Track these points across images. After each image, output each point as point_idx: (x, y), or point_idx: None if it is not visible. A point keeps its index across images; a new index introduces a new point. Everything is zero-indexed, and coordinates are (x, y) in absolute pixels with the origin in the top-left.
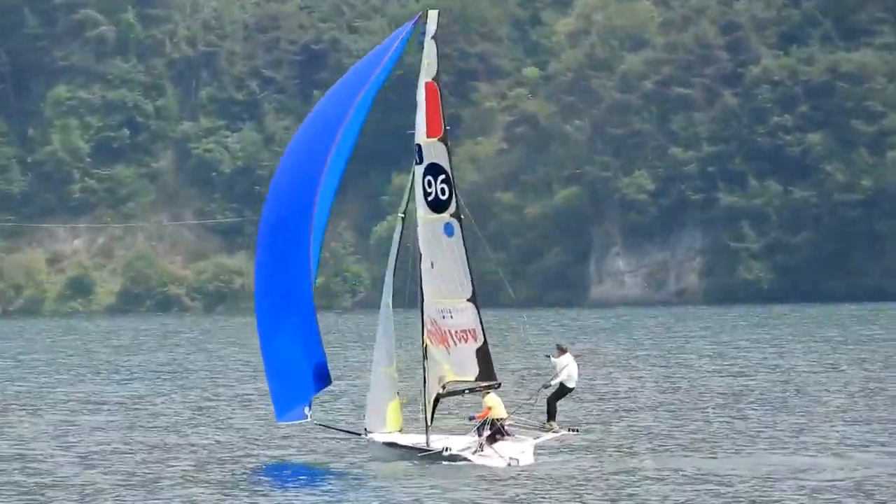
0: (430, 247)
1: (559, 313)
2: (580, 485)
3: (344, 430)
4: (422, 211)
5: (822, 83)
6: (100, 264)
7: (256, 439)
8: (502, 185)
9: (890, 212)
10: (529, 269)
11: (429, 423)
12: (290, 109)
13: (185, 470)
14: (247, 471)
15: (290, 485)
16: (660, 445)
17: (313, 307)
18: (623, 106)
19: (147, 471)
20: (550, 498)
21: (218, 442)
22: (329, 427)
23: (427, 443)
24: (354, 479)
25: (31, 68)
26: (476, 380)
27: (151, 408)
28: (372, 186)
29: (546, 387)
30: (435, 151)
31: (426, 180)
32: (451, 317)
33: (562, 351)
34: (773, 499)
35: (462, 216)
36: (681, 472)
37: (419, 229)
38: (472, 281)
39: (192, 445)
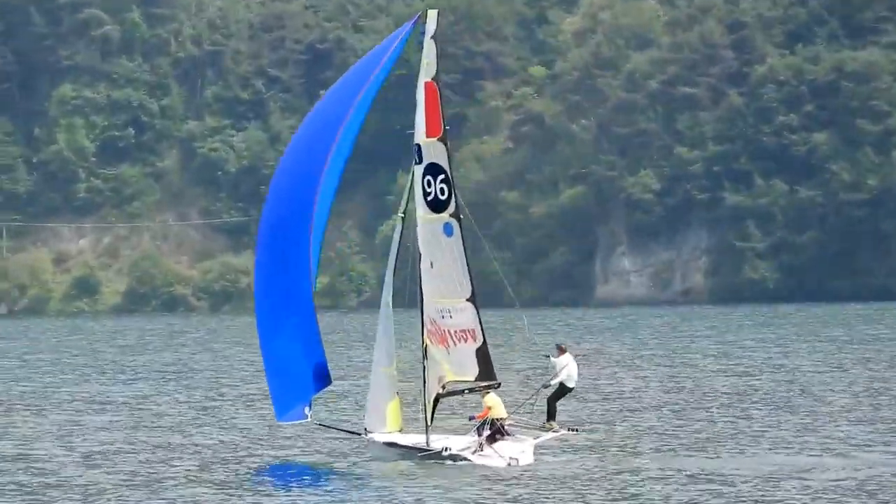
0: (429, 246)
1: (565, 313)
2: (583, 484)
3: (344, 430)
4: (421, 211)
5: (827, 82)
6: (105, 264)
7: (260, 439)
8: (508, 185)
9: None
10: (535, 269)
11: (429, 423)
12: (295, 108)
13: (188, 470)
14: (250, 471)
15: (294, 485)
16: (664, 445)
17: (313, 307)
18: (629, 105)
19: (150, 470)
20: (553, 498)
21: (221, 442)
22: (329, 427)
23: (427, 443)
24: (357, 479)
25: (36, 68)
26: (476, 380)
27: (155, 408)
28: (377, 186)
29: (546, 386)
30: (434, 151)
31: (425, 180)
32: (451, 317)
33: (561, 351)
34: (777, 499)
35: (461, 216)
36: (684, 472)
37: (418, 229)
38: (471, 281)
39: (196, 445)
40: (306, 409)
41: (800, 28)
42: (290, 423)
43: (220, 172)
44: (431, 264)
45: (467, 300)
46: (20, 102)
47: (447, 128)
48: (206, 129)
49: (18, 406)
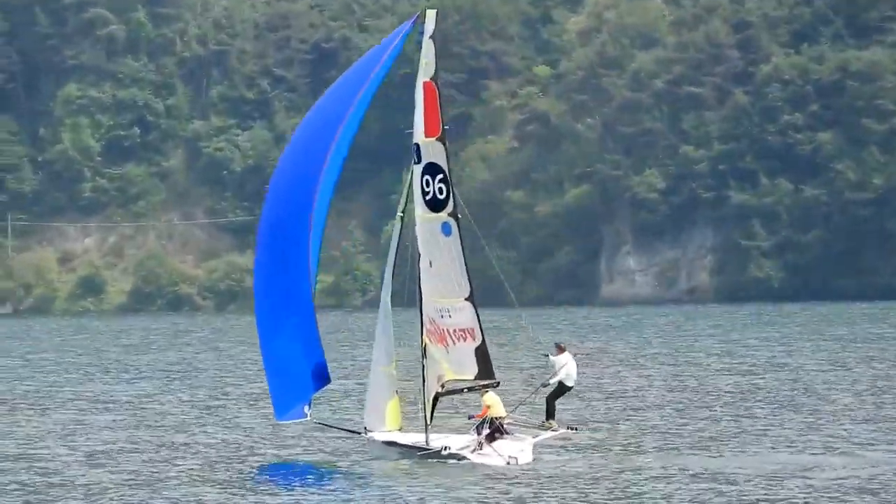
0: (428, 246)
1: (569, 312)
2: (587, 483)
3: (344, 429)
4: (420, 210)
5: (832, 82)
6: (110, 263)
7: (263, 438)
8: (513, 184)
9: None
10: (540, 268)
11: (428, 422)
12: (300, 108)
13: (191, 469)
14: (253, 470)
15: (297, 484)
16: (667, 444)
17: (312, 307)
18: (634, 104)
19: (154, 470)
20: (557, 496)
21: (225, 441)
22: (329, 426)
23: (426, 441)
24: (360, 477)
25: (41, 67)
26: (475, 379)
27: (159, 407)
28: (382, 186)
29: (545, 385)
30: (433, 151)
31: (424, 179)
32: (450, 316)
33: (560, 349)
34: (781, 497)
35: (459, 215)
36: (688, 471)
37: (417, 228)
38: (469, 280)
39: (199, 444)
40: (306, 408)
41: (805, 28)
42: (289, 422)
43: (225, 172)
44: (430, 263)
45: (466, 299)
46: (25, 102)
47: (446, 127)
48: (212, 129)
49: (22, 405)
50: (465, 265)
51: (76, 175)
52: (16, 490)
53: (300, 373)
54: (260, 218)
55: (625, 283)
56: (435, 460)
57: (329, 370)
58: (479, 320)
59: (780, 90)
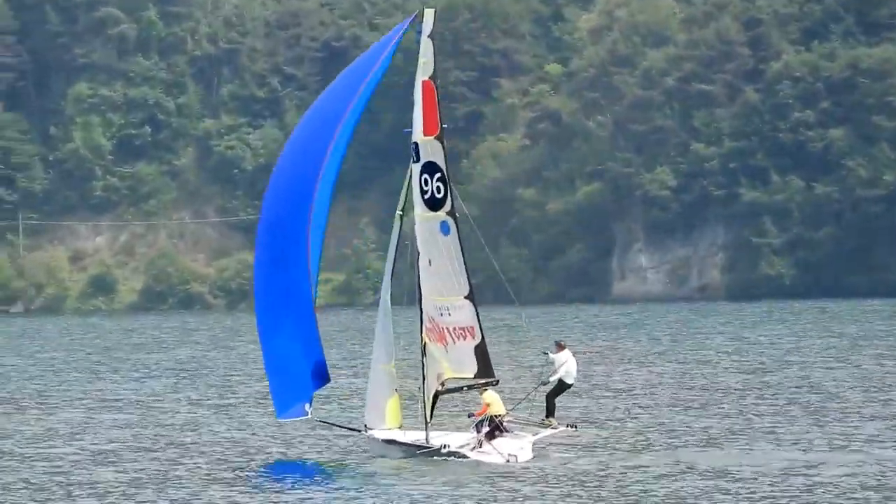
0: (427, 245)
1: (581, 309)
2: (594, 481)
3: (345, 427)
4: (419, 209)
5: (843, 79)
6: (122, 262)
7: (272, 437)
8: (524, 182)
9: None
10: (552, 266)
11: (428, 420)
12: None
13: (199, 467)
14: (261, 468)
15: (304, 483)
16: (674, 441)
17: (312, 305)
18: (645, 102)
19: (161, 468)
20: (563, 494)
21: (233, 439)
22: (330, 424)
23: (426, 439)
24: (368, 476)
25: (52, 66)
26: (475, 377)
27: (168, 405)
28: (393, 183)
29: (544, 383)
30: (431, 149)
31: (422, 178)
32: (449, 314)
33: (560, 347)
34: (790, 495)
35: (457, 214)
36: (696, 469)
37: (416, 227)
38: (469, 278)
39: (207, 443)
40: (306, 406)
41: (815, 25)
42: (290, 420)
43: (236, 170)
44: (430, 262)
45: (465, 298)
46: (36, 100)
47: (444, 126)
48: (223, 128)
49: (30, 404)
50: (465, 264)
51: (87, 174)
52: (24, 489)
53: (300, 371)
54: (259, 217)
55: (636, 280)
56: (436, 458)
57: (328, 369)
58: (478, 318)
59: (790, 87)
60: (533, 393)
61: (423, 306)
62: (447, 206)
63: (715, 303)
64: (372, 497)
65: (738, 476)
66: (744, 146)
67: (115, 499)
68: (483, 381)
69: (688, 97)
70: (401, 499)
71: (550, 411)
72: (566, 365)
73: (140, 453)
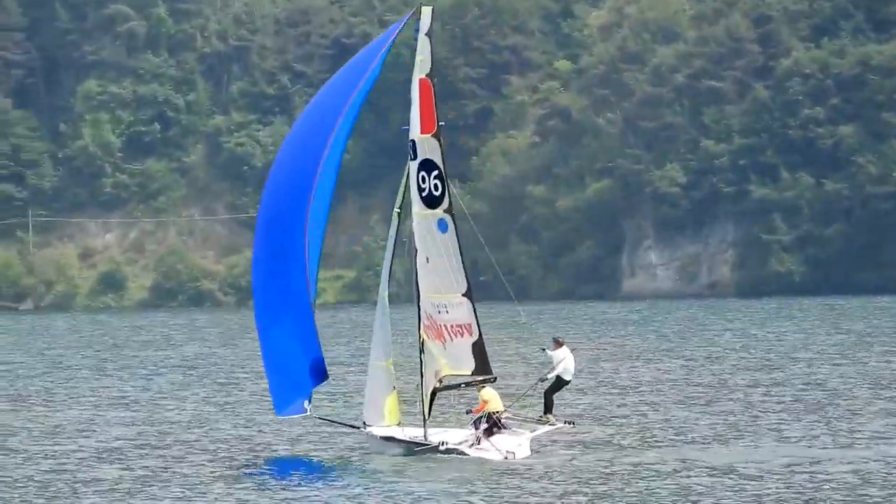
0: (424, 242)
1: (590, 306)
2: (599, 477)
3: (343, 424)
4: (416, 207)
5: (853, 76)
6: (131, 259)
7: (279, 434)
8: (534, 179)
9: None
10: (561, 263)
11: (426, 417)
12: None
13: (203, 464)
14: (266, 465)
15: (308, 480)
16: (680, 437)
17: (310, 303)
18: (655, 99)
19: (166, 465)
20: (569, 491)
21: (239, 436)
22: (329, 420)
23: (425, 436)
24: (373, 473)
25: (61, 63)
26: (472, 374)
27: (174, 402)
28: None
29: (543, 380)
30: (428, 147)
31: (420, 176)
32: (447, 312)
33: (558, 344)
34: (797, 491)
35: (454, 212)
36: (702, 465)
37: (414, 225)
38: (466, 276)
39: (212, 440)
40: (305, 403)
41: (825, 22)
42: (289, 416)
43: (246, 167)
44: (427, 259)
45: (463, 295)
46: (45, 98)
47: (441, 124)
48: (232, 125)
49: (37, 401)
50: (462, 261)
51: (97, 171)
52: (31, 486)
53: (298, 368)
54: (257, 214)
55: (646, 277)
56: (434, 454)
57: (326, 366)
58: (476, 316)
59: (800, 84)
60: (531, 390)
61: (420, 303)
62: (445, 204)
63: (725, 300)
64: (377, 494)
65: (743, 473)
66: (754, 143)
67: (121, 496)
68: (481, 377)
69: (698, 94)
70: (405, 496)
71: (548, 408)
72: (564, 362)
73: (146, 450)
